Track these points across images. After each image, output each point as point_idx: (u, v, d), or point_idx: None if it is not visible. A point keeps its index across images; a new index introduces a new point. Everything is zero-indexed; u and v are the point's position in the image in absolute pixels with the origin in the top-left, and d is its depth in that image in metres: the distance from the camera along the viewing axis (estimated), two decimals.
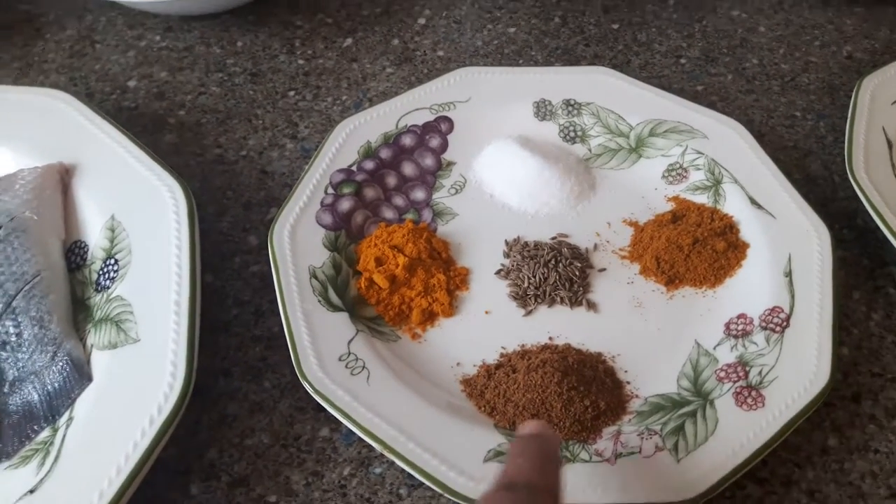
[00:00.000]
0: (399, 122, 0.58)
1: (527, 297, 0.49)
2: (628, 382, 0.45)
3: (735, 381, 0.43)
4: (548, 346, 0.47)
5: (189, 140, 0.61)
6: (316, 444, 0.44)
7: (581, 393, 0.42)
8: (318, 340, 0.44)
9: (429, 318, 0.48)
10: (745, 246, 0.50)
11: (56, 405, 0.43)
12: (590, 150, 0.58)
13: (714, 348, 0.46)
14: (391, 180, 0.55)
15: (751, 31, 0.71)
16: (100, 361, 0.44)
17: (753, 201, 0.52)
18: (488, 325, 0.48)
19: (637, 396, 0.44)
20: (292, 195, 0.51)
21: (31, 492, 0.39)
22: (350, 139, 0.56)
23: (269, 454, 0.43)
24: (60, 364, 0.43)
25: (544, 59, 0.68)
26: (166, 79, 0.66)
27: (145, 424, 0.39)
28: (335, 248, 0.50)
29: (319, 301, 0.46)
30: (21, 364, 0.44)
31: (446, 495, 0.39)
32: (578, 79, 0.60)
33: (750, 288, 0.48)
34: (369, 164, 0.55)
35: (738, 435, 0.40)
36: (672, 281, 0.50)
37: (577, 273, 0.50)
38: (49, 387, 0.43)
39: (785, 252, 0.49)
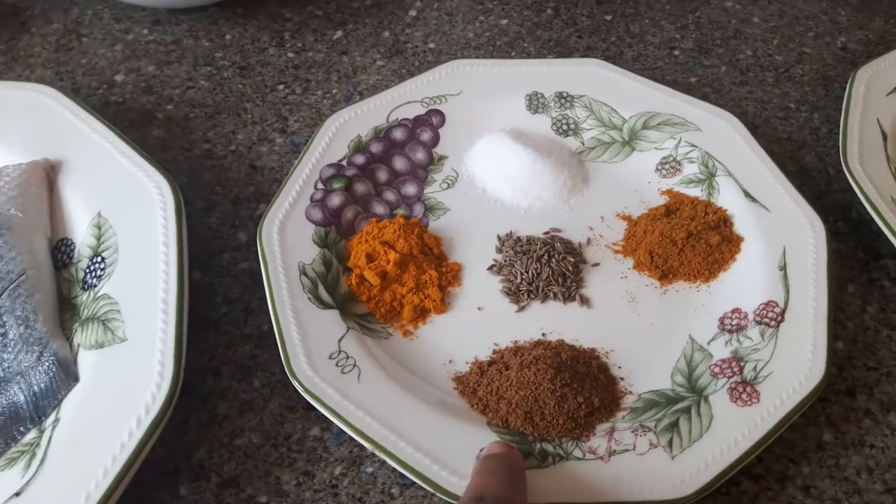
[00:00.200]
0: (390, 115, 0.57)
1: (519, 293, 0.49)
2: (622, 378, 0.45)
3: (730, 377, 0.43)
4: (541, 342, 0.46)
5: (177, 135, 0.60)
6: (307, 444, 0.43)
7: (574, 390, 0.41)
8: (308, 338, 0.44)
9: (420, 314, 0.48)
10: (739, 240, 0.50)
11: (42, 406, 0.42)
12: (583, 144, 0.57)
13: (708, 343, 0.45)
14: (382, 175, 0.55)
15: (744, 23, 0.70)
16: (87, 361, 0.43)
17: (747, 194, 0.51)
18: (481, 321, 0.48)
19: (631, 393, 0.44)
20: (281, 191, 0.51)
21: (17, 494, 0.38)
22: (340, 133, 0.55)
23: (259, 454, 0.43)
24: (46, 364, 0.43)
25: (537, 51, 0.67)
26: (154, 73, 0.65)
27: (133, 425, 0.39)
28: (325, 244, 0.49)
29: (309, 298, 0.46)
30: (6, 364, 0.43)
31: (438, 494, 0.38)
32: (571, 71, 0.60)
33: (744, 282, 0.48)
34: (360, 159, 0.54)
35: (732, 431, 0.40)
36: (666, 275, 0.49)
37: (570, 268, 0.49)
38: (35, 387, 0.42)
39: (779, 245, 0.48)
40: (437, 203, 0.54)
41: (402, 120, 0.57)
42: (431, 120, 0.57)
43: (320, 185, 0.52)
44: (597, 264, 0.51)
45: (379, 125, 0.56)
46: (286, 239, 0.48)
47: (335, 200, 0.52)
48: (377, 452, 0.40)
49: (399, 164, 0.56)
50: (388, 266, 0.48)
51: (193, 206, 0.55)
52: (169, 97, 0.63)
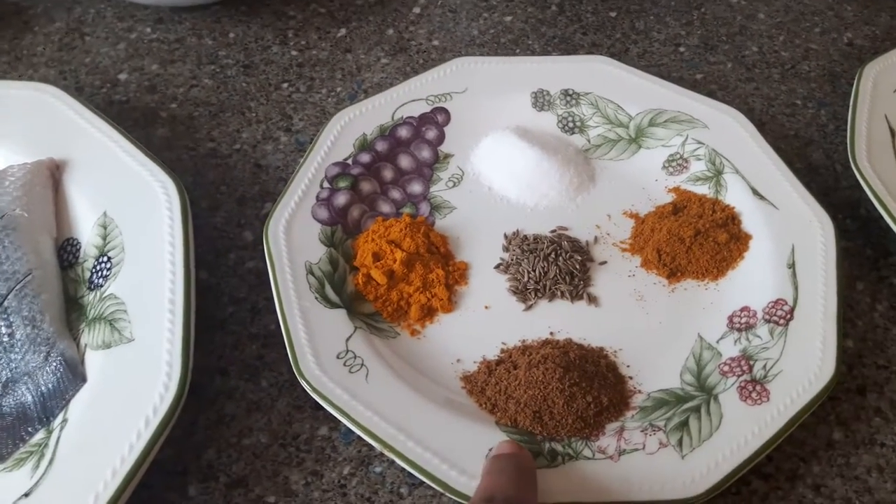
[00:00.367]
0: (395, 113, 0.57)
1: (527, 292, 0.48)
2: (631, 377, 0.44)
3: (739, 376, 0.43)
4: (549, 341, 0.46)
5: (181, 134, 0.60)
6: (315, 444, 0.43)
7: (583, 389, 0.41)
8: (315, 338, 0.43)
9: (428, 313, 0.48)
10: (747, 237, 0.50)
11: (50, 406, 0.42)
12: (589, 141, 0.57)
13: (717, 342, 0.45)
14: (388, 173, 0.55)
15: (750, 18, 0.70)
16: (94, 361, 0.43)
17: (755, 192, 0.51)
18: (488, 320, 0.48)
19: (640, 392, 0.44)
20: (287, 190, 0.51)
21: (26, 495, 0.38)
22: (345, 132, 0.55)
23: (267, 454, 0.43)
24: (54, 364, 0.43)
25: (541, 48, 0.67)
26: (157, 71, 0.65)
27: (141, 425, 0.39)
28: (332, 243, 0.49)
29: (316, 298, 0.46)
30: (14, 365, 0.43)
31: (447, 494, 0.38)
32: (576, 68, 0.59)
33: (753, 280, 0.47)
34: (365, 157, 0.54)
35: (742, 430, 0.40)
36: (674, 274, 0.49)
37: (578, 266, 0.49)
38: (43, 388, 0.42)
39: (788, 243, 0.48)
40: (443, 201, 0.54)
41: (407, 118, 0.57)
42: (437, 118, 0.57)
43: (326, 184, 0.52)
44: (604, 262, 0.50)
45: (384, 123, 0.56)
46: (292, 238, 0.48)
47: (341, 199, 0.51)
48: (386, 452, 0.39)
49: (404, 162, 0.55)
50: (395, 265, 0.48)
51: (199, 205, 0.54)
52: (173, 96, 0.63)
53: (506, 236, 0.52)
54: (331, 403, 0.41)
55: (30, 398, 0.42)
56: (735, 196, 0.52)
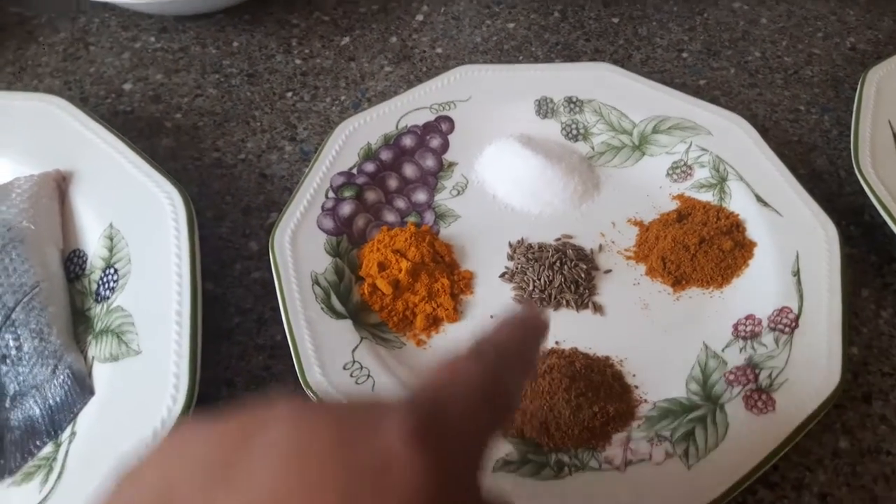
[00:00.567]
0: (399, 122, 0.57)
1: (532, 301, 0.49)
2: (636, 387, 0.44)
3: (745, 385, 0.43)
4: (554, 350, 0.46)
5: (186, 144, 0.60)
6: None
7: (590, 399, 0.41)
8: (321, 349, 0.44)
9: (433, 323, 0.48)
10: (751, 245, 0.50)
11: (58, 420, 0.42)
12: (593, 148, 0.57)
13: (723, 350, 0.45)
14: (392, 182, 0.55)
15: (752, 24, 0.70)
16: (101, 374, 0.43)
17: (759, 199, 0.51)
18: None
19: (646, 401, 0.44)
20: (293, 200, 0.51)
21: None
22: (350, 141, 0.55)
23: None
24: (62, 377, 0.43)
25: (544, 54, 0.67)
26: (162, 81, 0.65)
27: (149, 438, 0.39)
28: (337, 253, 0.49)
29: (322, 308, 0.46)
30: (22, 378, 0.44)
31: None
32: (580, 75, 0.60)
33: (758, 288, 0.48)
34: (370, 167, 0.54)
35: (748, 440, 0.40)
36: (679, 281, 0.49)
37: (583, 275, 0.49)
38: (51, 401, 0.43)
39: (792, 250, 0.48)
40: (448, 210, 0.54)
41: (411, 127, 0.57)
42: (441, 126, 0.57)
43: (331, 194, 0.52)
44: (609, 271, 0.51)
45: (388, 132, 0.56)
46: (298, 249, 0.48)
47: (346, 209, 0.52)
48: None
49: (409, 171, 0.56)
50: (400, 275, 0.48)
51: (204, 215, 0.55)
52: (177, 105, 0.63)
53: (510, 245, 0.52)
54: None
55: (38, 411, 0.43)
56: (739, 203, 0.52)
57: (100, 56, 0.68)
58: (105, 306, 0.46)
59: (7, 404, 0.43)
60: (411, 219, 0.53)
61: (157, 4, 0.65)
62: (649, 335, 0.47)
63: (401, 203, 0.54)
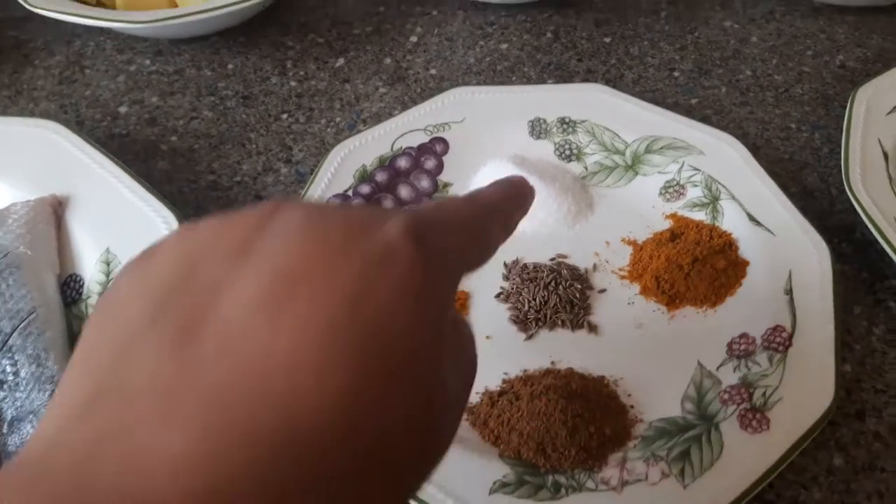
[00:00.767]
0: (394, 144, 0.57)
1: (528, 321, 0.49)
2: (632, 407, 0.45)
3: (739, 404, 0.43)
4: (550, 370, 0.46)
5: (182, 166, 0.60)
6: None
7: (586, 420, 0.42)
8: None
9: None
10: (744, 264, 0.50)
11: None
12: (586, 168, 0.58)
13: (717, 369, 0.46)
14: (388, 204, 0.55)
15: (743, 42, 0.71)
16: None
17: (752, 218, 0.52)
18: (490, 350, 0.48)
19: (641, 421, 0.44)
20: None
21: None
22: (345, 163, 0.56)
23: None
24: None
25: (537, 75, 0.68)
26: (157, 104, 0.66)
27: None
28: None
29: None
30: (19, 403, 0.44)
31: None
32: (573, 96, 0.60)
33: (751, 307, 0.48)
34: (365, 189, 0.55)
35: (743, 459, 0.40)
36: (673, 301, 0.50)
37: (578, 295, 0.50)
38: None
39: (785, 269, 0.48)
40: None
41: (406, 148, 0.57)
42: (435, 148, 0.58)
43: None
44: (603, 290, 0.51)
45: (383, 154, 0.57)
46: None
47: None
48: None
49: (404, 192, 0.56)
50: None
51: None
52: (173, 128, 0.64)
53: (505, 265, 0.52)
54: None
55: None
56: (732, 222, 0.52)
57: (95, 79, 0.68)
58: None
59: (4, 430, 0.43)
60: None
61: (152, 28, 0.65)
62: (644, 354, 0.47)
63: None
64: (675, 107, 0.61)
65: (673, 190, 0.55)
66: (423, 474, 0.21)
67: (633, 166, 0.57)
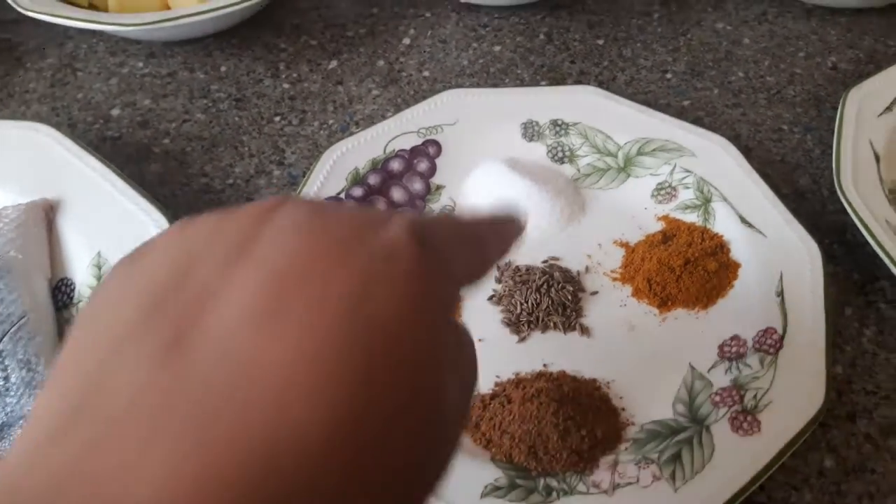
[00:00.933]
0: (387, 146, 0.57)
1: (520, 324, 0.49)
2: (623, 409, 0.45)
3: (730, 406, 0.43)
4: (542, 373, 0.46)
5: (174, 169, 0.60)
6: None
7: (577, 423, 0.42)
8: None
9: None
10: (736, 266, 0.50)
11: None
12: (578, 171, 0.58)
13: (708, 371, 0.46)
14: (380, 206, 0.55)
15: (735, 44, 0.71)
16: None
17: (743, 220, 0.52)
18: (482, 353, 0.46)
19: (633, 424, 0.44)
20: None
21: None
22: (337, 166, 0.56)
23: None
24: None
25: (530, 76, 0.68)
26: (150, 106, 0.66)
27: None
28: None
29: None
30: (10, 409, 0.43)
31: None
32: (565, 98, 0.60)
33: (742, 309, 0.48)
34: (358, 191, 0.55)
35: (734, 462, 0.40)
36: (664, 303, 0.50)
37: (570, 297, 0.50)
38: None
39: (776, 271, 0.48)
40: None
41: (398, 151, 0.57)
42: (428, 150, 0.58)
43: None
44: (595, 292, 0.51)
45: (376, 157, 0.57)
46: None
47: None
48: None
49: (397, 195, 0.56)
50: None
51: None
52: (165, 131, 0.63)
53: (498, 267, 0.52)
54: None
55: None
56: (723, 224, 0.52)
57: (87, 82, 0.68)
58: None
59: None
60: None
61: (144, 30, 0.65)
62: (636, 357, 0.48)
63: None
64: (667, 108, 0.61)
65: (665, 192, 0.55)
66: (426, 490, 0.20)
67: (625, 168, 0.57)
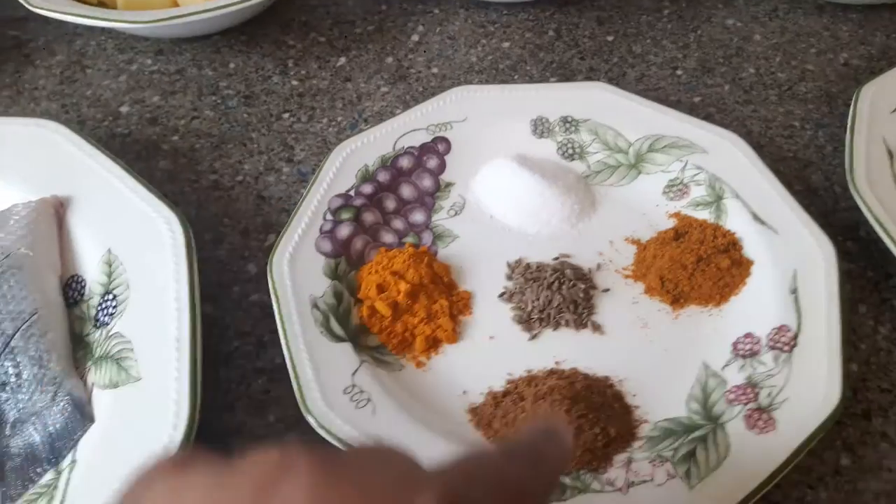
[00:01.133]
0: (396, 143, 0.57)
1: (531, 321, 0.49)
2: (637, 407, 0.44)
3: (745, 404, 0.43)
4: (554, 371, 0.46)
5: (183, 166, 0.60)
6: None
7: (590, 420, 0.41)
8: (321, 373, 0.44)
9: (433, 345, 0.48)
10: (749, 263, 0.50)
11: (58, 447, 0.42)
12: (589, 167, 0.57)
13: (722, 369, 0.45)
14: (390, 203, 0.55)
15: (746, 40, 0.71)
16: (101, 401, 0.43)
17: (756, 217, 0.51)
18: (493, 350, 0.48)
19: (646, 421, 0.44)
20: (290, 223, 0.51)
21: None
22: (347, 163, 0.55)
23: None
24: (61, 404, 0.43)
25: (539, 73, 0.68)
26: (159, 103, 0.66)
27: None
28: (335, 276, 0.49)
29: (321, 332, 0.46)
30: (21, 405, 0.43)
31: None
32: (575, 95, 0.60)
33: (756, 306, 0.48)
34: (367, 188, 0.54)
35: (750, 459, 0.40)
36: (677, 300, 0.49)
37: (582, 294, 0.49)
38: (51, 428, 0.42)
39: (790, 268, 0.48)
40: (446, 230, 0.54)
41: (408, 148, 0.57)
42: (437, 147, 0.57)
43: (329, 216, 0.52)
44: (607, 290, 0.51)
45: (385, 154, 0.56)
46: (296, 272, 0.48)
47: (344, 231, 0.52)
48: None
49: (406, 192, 0.56)
50: (399, 296, 0.48)
51: (202, 238, 0.55)
52: (174, 128, 0.63)
53: (509, 265, 0.52)
54: (338, 440, 0.41)
55: (38, 438, 0.42)
56: (736, 221, 0.52)
57: (96, 79, 0.68)
58: (104, 332, 0.46)
59: (7, 431, 0.43)
60: (409, 239, 0.53)
61: (153, 27, 0.65)
62: (649, 354, 0.47)
63: (399, 224, 0.54)
64: (677, 105, 0.61)
65: (676, 189, 0.55)
66: None
67: (636, 165, 0.56)
